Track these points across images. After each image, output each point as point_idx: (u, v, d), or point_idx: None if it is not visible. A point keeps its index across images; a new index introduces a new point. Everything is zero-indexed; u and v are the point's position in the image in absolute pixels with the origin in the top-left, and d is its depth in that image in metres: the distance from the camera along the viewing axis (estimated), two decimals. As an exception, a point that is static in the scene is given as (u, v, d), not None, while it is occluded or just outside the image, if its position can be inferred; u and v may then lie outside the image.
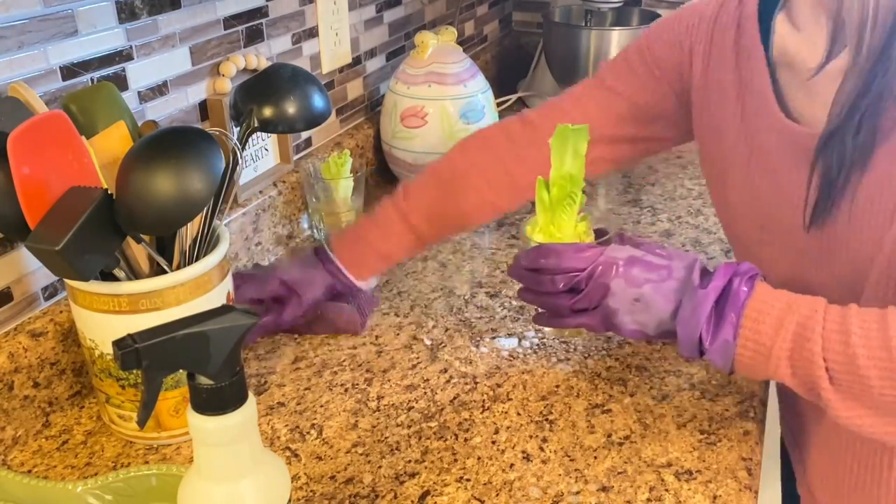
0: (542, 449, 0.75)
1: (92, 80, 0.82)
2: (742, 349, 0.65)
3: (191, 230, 0.74)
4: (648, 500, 0.69)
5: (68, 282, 0.71)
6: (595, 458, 0.74)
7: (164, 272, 0.72)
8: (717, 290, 0.65)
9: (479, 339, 0.92)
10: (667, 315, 0.68)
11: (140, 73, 0.88)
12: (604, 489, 0.70)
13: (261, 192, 1.08)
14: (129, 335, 0.46)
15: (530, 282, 0.75)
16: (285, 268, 0.89)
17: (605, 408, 0.80)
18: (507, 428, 0.78)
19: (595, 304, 0.71)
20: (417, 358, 0.89)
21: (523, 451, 0.75)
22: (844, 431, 0.73)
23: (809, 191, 0.69)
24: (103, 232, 0.64)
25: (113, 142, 0.72)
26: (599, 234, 0.85)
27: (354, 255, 0.89)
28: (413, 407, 0.81)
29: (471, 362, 0.88)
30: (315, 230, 1.15)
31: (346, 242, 0.91)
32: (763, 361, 0.64)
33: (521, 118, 0.93)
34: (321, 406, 0.81)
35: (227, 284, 0.77)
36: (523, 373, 0.86)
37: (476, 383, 0.84)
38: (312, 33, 1.17)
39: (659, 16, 1.62)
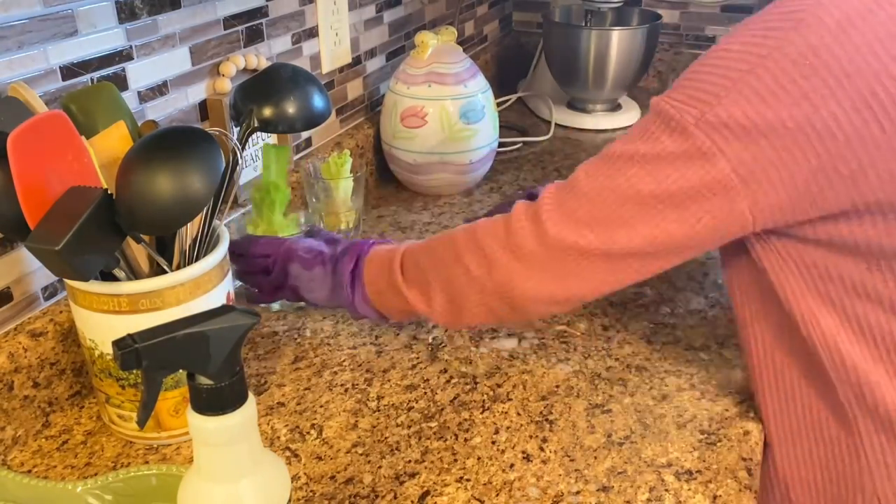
0: (542, 449, 0.75)
1: (92, 80, 0.82)
2: (372, 296, 0.83)
3: (191, 230, 0.74)
4: (648, 500, 0.69)
5: (68, 282, 0.71)
6: (595, 458, 0.74)
7: (164, 272, 0.72)
8: (349, 265, 0.84)
9: (479, 339, 0.92)
10: (327, 290, 0.86)
11: (140, 73, 0.88)
12: (604, 489, 0.70)
13: (261, 192, 1.08)
14: (129, 335, 0.46)
15: (239, 265, 0.90)
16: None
17: (605, 408, 0.80)
18: (507, 428, 0.78)
19: (282, 283, 0.88)
20: (417, 358, 0.89)
21: (523, 451, 0.75)
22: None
23: None
24: (103, 232, 0.64)
25: (113, 142, 0.72)
26: (314, 231, 0.97)
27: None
28: (413, 407, 0.81)
29: (471, 362, 0.88)
30: (315, 230, 1.15)
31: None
32: (383, 297, 0.83)
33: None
34: (321, 406, 0.81)
35: (228, 284, 0.77)
36: (523, 373, 0.86)
37: (476, 383, 0.84)
38: (312, 33, 1.17)
39: (659, 16, 1.62)
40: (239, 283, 0.93)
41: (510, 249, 0.73)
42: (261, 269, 0.89)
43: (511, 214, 0.74)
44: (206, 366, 0.48)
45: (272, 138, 1.11)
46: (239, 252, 0.90)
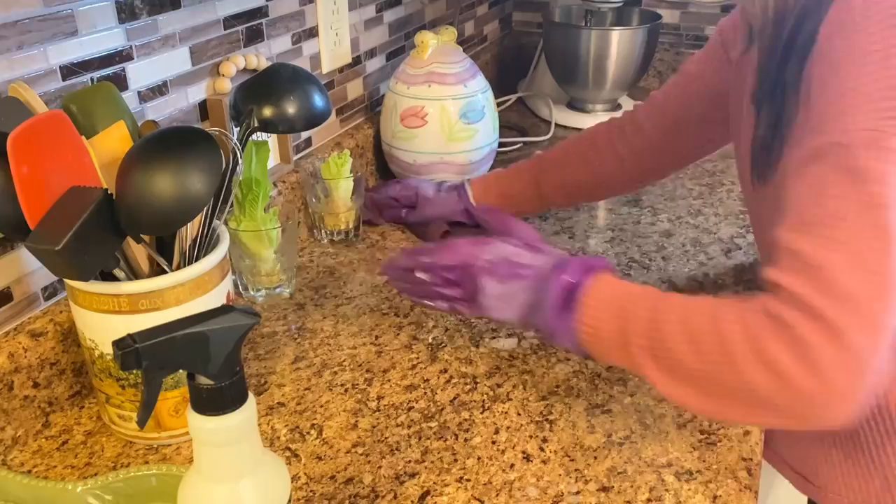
0: (542, 449, 0.75)
1: (92, 80, 0.82)
2: (583, 334, 0.70)
3: (191, 230, 0.74)
4: (648, 500, 0.69)
5: (68, 282, 0.71)
6: (595, 458, 0.74)
7: (164, 272, 0.72)
8: (564, 284, 0.71)
9: (479, 339, 0.92)
10: (525, 309, 0.74)
11: (140, 73, 0.88)
12: (604, 489, 0.70)
13: (261, 192, 1.08)
14: (129, 335, 0.46)
15: (409, 280, 0.82)
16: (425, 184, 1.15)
17: (605, 408, 0.80)
18: (507, 428, 0.78)
19: (473, 298, 0.77)
20: (417, 358, 0.89)
21: (523, 451, 0.75)
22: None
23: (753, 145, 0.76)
24: (103, 232, 0.64)
25: (113, 142, 0.72)
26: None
27: (480, 187, 1.12)
28: (413, 407, 0.81)
29: (471, 362, 0.88)
30: (315, 230, 1.15)
31: (479, 179, 1.14)
32: (601, 343, 0.69)
33: (632, 115, 1.05)
34: (321, 406, 0.81)
35: (228, 284, 0.77)
36: (523, 373, 0.86)
37: (476, 383, 0.84)
38: (312, 33, 1.17)
39: (659, 16, 1.62)
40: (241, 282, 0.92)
41: (809, 370, 0.56)
42: (447, 283, 0.79)
43: (781, 318, 0.57)
44: (206, 366, 0.48)
45: (272, 138, 1.11)
46: (425, 264, 0.81)
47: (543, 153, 1.11)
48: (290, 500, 0.54)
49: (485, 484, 0.71)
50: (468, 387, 0.84)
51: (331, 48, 1.22)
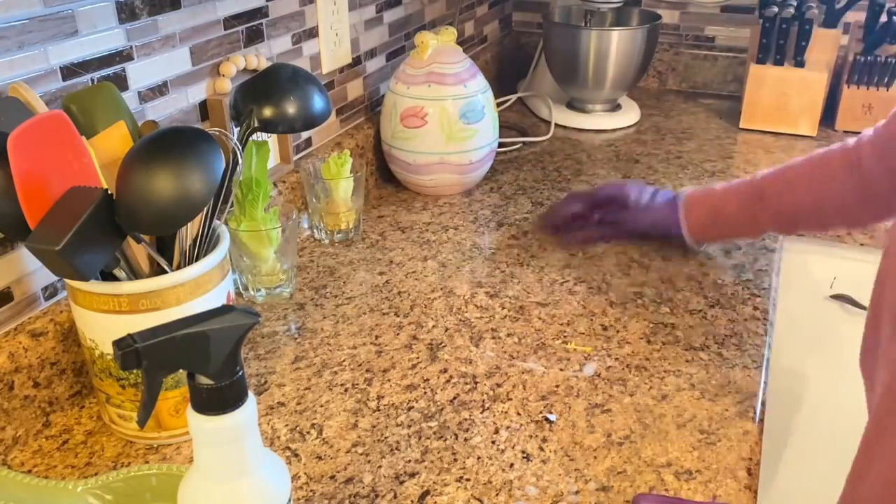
0: (541, 449, 0.75)
1: (92, 80, 0.82)
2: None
3: (191, 230, 0.74)
4: (648, 499, 0.69)
5: (68, 282, 0.71)
6: (595, 457, 0.74)
7: (164, 272, 0.72)
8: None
9: (479, 339, 0.92)
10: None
11: (140, 73, 0.88)
12: (603, 489, 0.70)
13: (261, 192, 1.08)
14: (129, 335, 0.46)
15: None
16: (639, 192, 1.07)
17: (605, 408, 0.80)
18: (507, 428, 0.78)
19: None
20: (417, 358, 0.89)
21: (523, 451, 0.75)
22: None
23: None
24: (103, 232, 0.65)
25: (113, 142, 0.72)
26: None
27: (693, 199, 1.02)
28: (413, 407, 0.81)
29: (471, 362, 0.88)
30: (315, 230, 1.15)
31: (697, 201, 1.03)
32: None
33: (858, 157, 0.89)
34: (321, 406, 0.81)
35: (228, 284, 0.77)
36: (523, 373, 0.86)
37: (476, 383, 0.84)
38: (312, 33, 1.17)
39: (659, 17, 1.62)
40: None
41: None
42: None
43: None
44: (206, 366, 0.48)
45: (272, 138, 1.11)
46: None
47: (767, 175, 0.98)
48: (290, 500, 0.54)
49: (484, 484, 0.71)
50: (468, 387, 0.84)
51: (331, 48, 1.22)
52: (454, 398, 0.82)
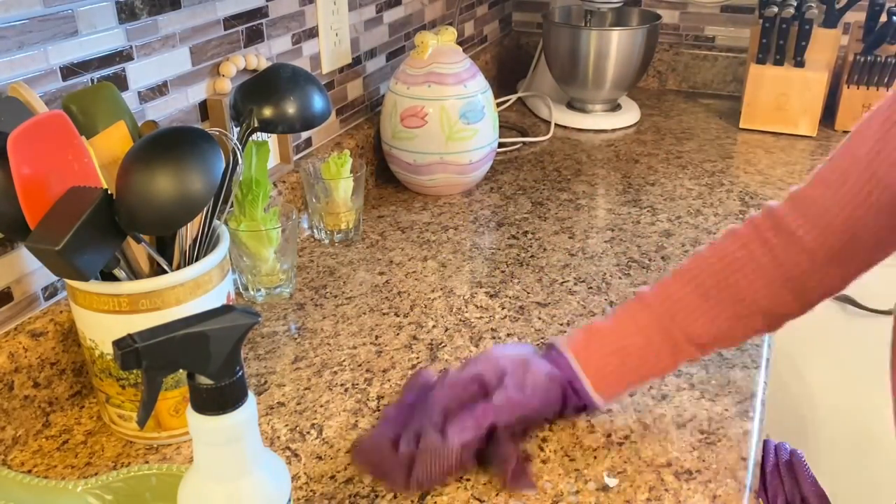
0: (541, 449, 0.75)
1: (92, 80, 0.82)
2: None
3: (191, 230, 0.74)
4: (648, 500, 0.69)
5: (68, 282, 0.71)
6: (595, 457, 0.74)
7: (164, 272, 0.72)
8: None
9: (479, 339, 0.92)
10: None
11: (140, 73, 0.88)
12: (603, 489, 0.70)
13: (261, 192, 1.08)
14: (129, 335, 0.46)
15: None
16: (507, 360, 0.75)
17: (605, 408, 0.80)
18: (507, 428, 0.78)
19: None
20: (417, 358, 0.89)
21: (523, 451, 0.75)
22: None
23: None
24: (103, 232, 0.64)
25: (113, 142, 0.72)
26: None
27: (602, 368, 0.75)
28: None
29: (471, 362, 0.88)
30: (315, 230, 1.15)
31: (589, 350, 0.75)
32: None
33: (777, 222, 0.73)
34: (321, 406, 0.81)
35: (228, 284, 0.77)
36: (523, 373, 0.86)
37: (476, 383, 0.84)
38: (312, 33, 1.17)
39: (659, 17, 1.62)
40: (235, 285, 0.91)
41: None
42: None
43: None
44: (206, 366, 0.48)
45: (272, 138, 1.11)
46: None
47: (658, 291, 0.75)
48: (290, 500, 0.54)
49: (484, 484, 0.71)
50: (468, 387, 0.84)
51: (331, 48, 1.22)
52: (454, 398, 0.82)
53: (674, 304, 0.73)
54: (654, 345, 0.73)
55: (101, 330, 0.71)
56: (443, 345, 0.91)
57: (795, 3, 1.49)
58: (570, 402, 0.75)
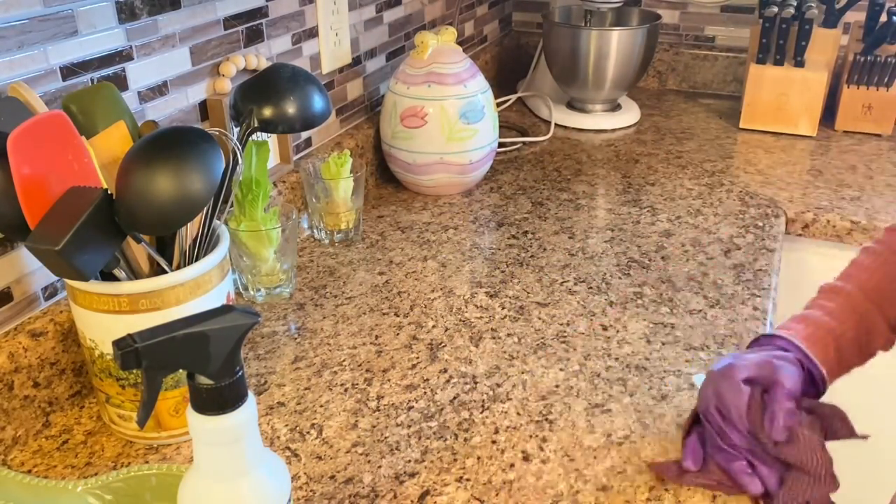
0: (541, 449, 0.75)
1: (92, 80, 0.82)
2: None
3: (191, 230, 0.74)
4: (648, 500, 0.69)
5: (68, 282, 0.71)
6: (595, 457, 0.74)
7: (164, 272, 0.72)
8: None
9: (479, 339, 0.92)
10: None
11: (140, 73, 0.88)
12: (603, 489, 0.70)
13: (261, 192, 1.08)
14: (129, 335, 0.46)
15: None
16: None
17: (605, 407, 0.80)
18: (507, 428, 0.78)
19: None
20: (417, 358, 0.89)
21: (523, 451, 0.75)
22: None
23: None
24: (103, 232, 0.65)
25: (113, 142, 0.72)
26: None
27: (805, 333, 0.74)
28: (413, 407, 0.81)
29: (471, 362, 0.88)
30: (315, 230, 1.15)
31: (783, 325, 0.76)
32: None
33: None
34: (321, 406, 0.81)
35: (228, 284, 0.77)
36: (523, 373, 0.86)
37: (476, 383, 0.84)
38: (312, 33, 1.17)
39: (659, 17, 1.62)
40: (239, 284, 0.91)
41: None
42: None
43: None
44: (206, 366, 0.48)
45: (272, 138, 1.11)
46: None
47: (857, 277, 0.78)
48: (290, 500, 0.54)
49: (484, 484, 0.71)
50: (468, 387, 0.84)
51: (331, 48, 1.22)
52: (454, 398, 0.82)
53: (877, 295, 0.76)
54: (860, 334, 0.75)
55: (101, 330, 0.71)
56: (443, 345, 0.91)
57: (795, 3, 1.49)
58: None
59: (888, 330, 0.75)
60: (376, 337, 0.92)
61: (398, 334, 0.93)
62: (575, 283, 1.03)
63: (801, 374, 0.71)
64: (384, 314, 0.97)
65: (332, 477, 0.72)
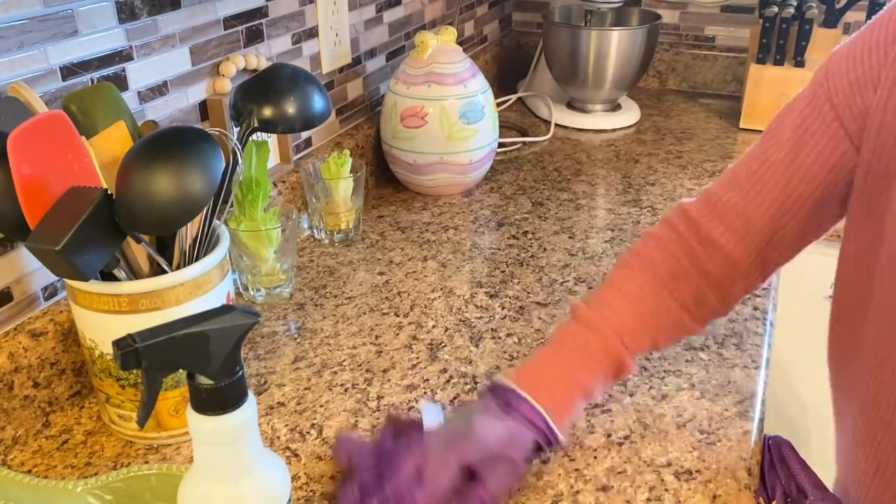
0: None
1: (92, 80, 0.82)
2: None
3: (191, 230, 0.74)
4: (648, 500, 0.69)
5: (68, 282, 0.71)
6: (595, 457, 0.74)
7: (164, 272, 0.72)
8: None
9: (479, 339, 0.92)
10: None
11: (140, 73, 0.88)
12: (603, 489, 0.70)
13: (261, 192, 1.08)
14: (129, 335, 0.46)
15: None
16: (462, 426, 0.68)
17: (605, 408, 0.80)
18: (507, 428, 0.78)
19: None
20: (417, 358, 0.89)
21: (523, 451, 0.75)
22: None
23: None
24: (103, 232, 0.64)
25: (113, 142, 0.72)
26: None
27: (552, 394, 0.70)
28: (413, 407, 0.81)
29: (471, 362, 0.88)
30: (315, 230, 1.15)
31: (533, 377, 0.71)
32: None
33: (699, 233, 0.74)
34: (321, 406, 0.81)
35: (228, 284, 0.77)
36: (523, 373, 0.86)
37: (476, 383, 0.84)
38: (312, 33, 1.17)
39: (659, 17, 1.62)
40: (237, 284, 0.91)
41: None
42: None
43: None
44: (206, 366, 0.48)
45: (272, 138, 1.11)
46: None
47: (598, 310, 0.74)
48: (290, 500, 0.54)
49: (485, 484, 0.71)
50: (468, 387, 0.84)
51: (331, 48, 1.22)
52: (454, 398, 0.82)
53: (618, 323, 0.72)
54: (602, 369, 0.72)
55: (101, 330, 0.71)
56: (443, 345, 0.91)
57: (795, 3, 1.49)
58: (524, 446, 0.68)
59: (633, 367, 0.73)
60: (376, 337, 0.92)
61: (398, 334, 0.93)
62: (575, 283, 1.03)
63: (525, 462, 0.68)
64: (384, 314, 0.97)
65: (332, 477, 0.72)
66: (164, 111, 0.92)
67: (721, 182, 0.75)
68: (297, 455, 0.75)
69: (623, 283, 0.75)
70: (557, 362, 0.72)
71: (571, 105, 1.66)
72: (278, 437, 0.77)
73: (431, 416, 0.71)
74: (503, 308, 0.98)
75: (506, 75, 1.87)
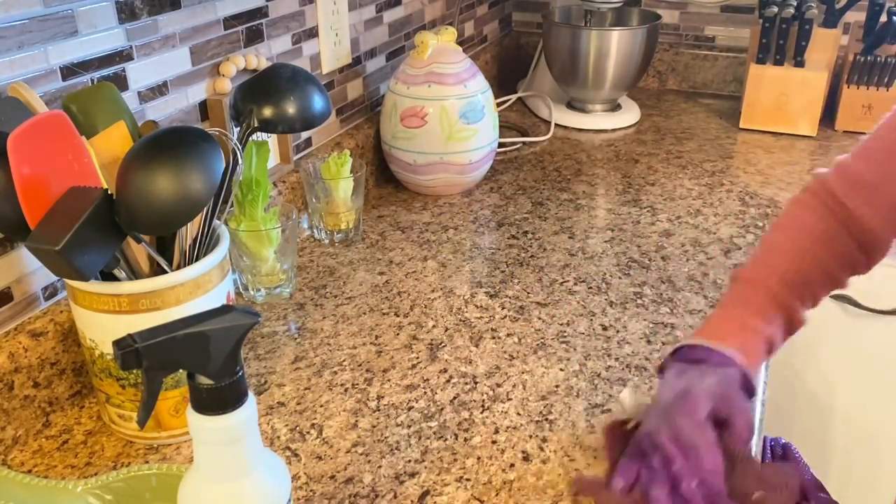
0: (541, 449, 0.75)
1: (92, 80, 0.82)
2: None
3: (191, 230, 0.74)
4: (648, 499, 0.69)
5: (68, 282, 0.71)
6: (595, 458, 0.74)
7: (164, 272, 0.72)
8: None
9: (479, 339, 0.92)
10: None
11: (140, 73, 0.88)
12: (603, 489, 0.70)
13: (261, 192, 1.08)
14: (129, 335, 0.46)
15: None
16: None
17: (605, 408, 0.80)
18: (507, 428, 0.78)
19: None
20: (417, 358, 0.89)
21: (523, 451, 0.75)
22: None
23: None
24: (103, 232, 0.65)
25: (113, 142, 0.72)
26: None
27: (739, 341, 0.70)
28: (413, 407, 0.81)
29: (471, 362, 0.88)
30: (315, 230, 1.15)
31: (714, 332, 0.71)
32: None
33: (847, 213, 0.75)
34: (321, 406, 0.81)
35: (228, 284, 0.77)
36: (523, 373, 0.86)
37: (476, 383, 0.84)
38: (312, 33, 1.17)
39: (659, 17, 1.62)
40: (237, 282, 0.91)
41: None
42: None
43: None
44: (206, 366, 0.48)
45: (272, 138, 1.11)
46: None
47: (776, 266, 0.75)
48: (290, 500, 0.54)
49: (484, 483, 0.71)
50: (468, 387, 0.84)
51: (331, 48, 1.22)
52: (454, 398, 0.82)
53: (780, 277, 0.74)
54: (776, 319, 0.73)
55: (101, 330, 0.71)
56: (443, 345, 0.91)
57: (795, 3, 1.49)
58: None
59: (803, 319, 0.75)
60: (376, 337, 0.92)
61: (398, 334, 0.93)
62: (575, 283, 1.03)
63: (749, 397, 0.67)
64: (384, 314, 0.97)
65: (332, 477, 0.72)
66: (164, 111, 0.92)
67: (855, 155, 0.76)
68: (297, 455, 0.75)
69: (781, 243, 0.77)
70: (734, 315, 0.73)
71: (571, 105, 1.66)
72: (278, 437, 0.77)
73: (634, 400, 0.71)
74: (503, 308, 0.98)
75: (506, 75, 1.87)
